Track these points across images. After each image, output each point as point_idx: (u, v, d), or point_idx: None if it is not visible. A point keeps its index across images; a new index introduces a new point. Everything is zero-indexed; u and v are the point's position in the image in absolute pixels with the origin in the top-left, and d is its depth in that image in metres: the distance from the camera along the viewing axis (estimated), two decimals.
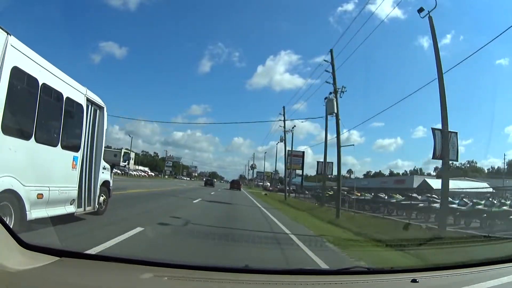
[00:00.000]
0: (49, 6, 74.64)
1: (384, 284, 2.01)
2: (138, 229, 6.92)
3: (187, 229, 8.64)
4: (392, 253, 6.79)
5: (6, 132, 4.77)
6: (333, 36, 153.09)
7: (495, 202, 16.24)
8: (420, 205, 18.43)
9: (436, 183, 31.75)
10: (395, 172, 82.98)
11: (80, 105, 7.15)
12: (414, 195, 20.97)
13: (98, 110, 8.08)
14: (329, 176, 35.26)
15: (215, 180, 78.10)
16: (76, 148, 6.99)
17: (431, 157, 13.26)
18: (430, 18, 12.05)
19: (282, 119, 39.23)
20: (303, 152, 51.46)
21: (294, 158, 46.02)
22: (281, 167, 76.40)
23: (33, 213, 5.40)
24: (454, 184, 18.38)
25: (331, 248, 7.59)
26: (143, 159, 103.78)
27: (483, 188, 21.76)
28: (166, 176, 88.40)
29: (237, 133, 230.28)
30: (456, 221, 15.55)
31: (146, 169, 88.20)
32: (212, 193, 29.73)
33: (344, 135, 17.52)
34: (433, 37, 12.31)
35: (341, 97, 18.44)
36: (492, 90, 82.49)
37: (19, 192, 5.03)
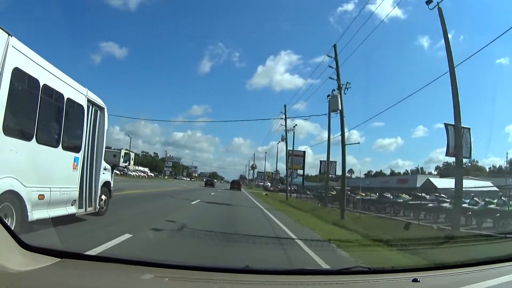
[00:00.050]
0: (49, 6, 74.81)
1: (385, 283, 2.00)
2: (137, 231, 6.84)
3: (182, 233, 7.90)
4: (405, 256, 6.46)
5: (7, 133, 4.77)
6: (333, 36, 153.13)
7: (509, 201, 15.65)
8: (429, 205, 17.86)
9: (439, 182, 31.39)
10: (396, 171, 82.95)
11: (81, 106, 7.16)
12: (423, 194, 20.10)
13: (98, 111, 8.09)
14: (331, 176, 35.05)
15: (215, 180, 77.95)
16: (77, 149, 7.00)
17: (444, 153, 12.80)
18: (440, 10, 11.51)
19: (283, 117, 38.84)
20: (304, 151, 51.63)
21: (295, 158, 46.14)
22: (282, 167, 76.54)
23: (34, 214, 5.41)
24: None
25: (342, 254, 6.83)
26: (143, 160, 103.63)
27: (490, 187, 21.28)
28: (166, 177, 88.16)
29: (237, 133, 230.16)
30: (467, 221, 14.77)
31: (146, 169, 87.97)
32: (212, 193, 29.57)
33: (345, 134, 17.28)
34: (444, 29, 11.67)
35: (345, 94, 18.19)
36: (492, 89, 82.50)
37: (20, 193, 5.03)
